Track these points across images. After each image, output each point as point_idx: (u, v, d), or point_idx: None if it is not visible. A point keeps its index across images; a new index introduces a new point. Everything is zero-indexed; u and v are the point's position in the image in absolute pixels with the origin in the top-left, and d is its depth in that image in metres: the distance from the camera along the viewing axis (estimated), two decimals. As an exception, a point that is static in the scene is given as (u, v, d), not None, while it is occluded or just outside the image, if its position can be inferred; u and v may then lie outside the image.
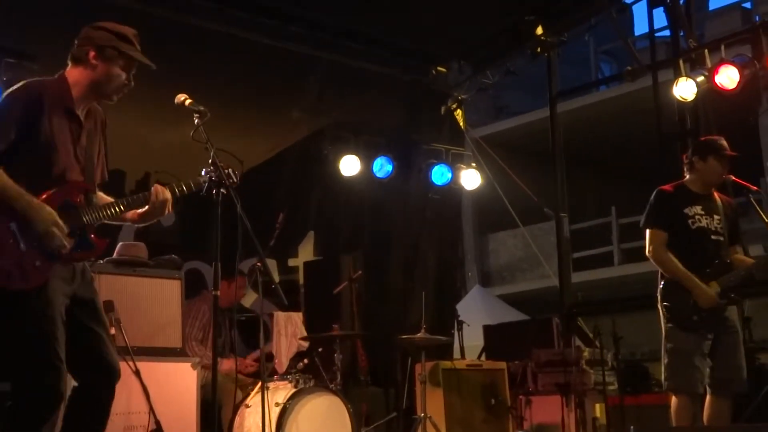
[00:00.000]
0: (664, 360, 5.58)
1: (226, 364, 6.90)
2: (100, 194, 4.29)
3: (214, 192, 4.44)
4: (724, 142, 5.80)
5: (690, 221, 5.64)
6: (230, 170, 4.46)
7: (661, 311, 5.66)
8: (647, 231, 5.75)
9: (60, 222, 3.85)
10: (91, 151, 4.20)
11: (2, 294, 3.74)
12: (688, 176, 5.84)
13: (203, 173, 4.37)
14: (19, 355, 3.80)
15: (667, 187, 5.82)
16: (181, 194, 4.40)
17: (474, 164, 10.21)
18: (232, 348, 7.14)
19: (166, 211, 4.32)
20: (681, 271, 5.56)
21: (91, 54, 4.09)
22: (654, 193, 5.81)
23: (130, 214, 4.31)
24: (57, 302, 3.86)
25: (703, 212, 5.68)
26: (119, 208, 4.19)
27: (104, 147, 4.35)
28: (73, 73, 4.12)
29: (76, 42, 4.15)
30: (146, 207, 4.28)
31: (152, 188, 4.33)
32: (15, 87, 4.00)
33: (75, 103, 4.10)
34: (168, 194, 4.31)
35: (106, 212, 4.12)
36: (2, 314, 3.78)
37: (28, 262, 3.78)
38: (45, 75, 4.20)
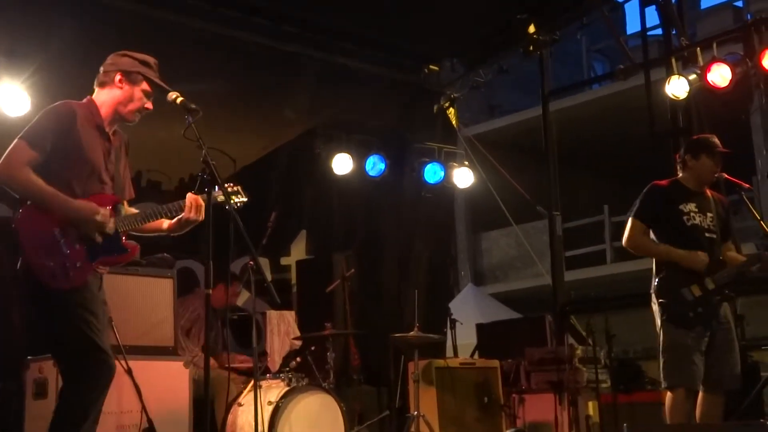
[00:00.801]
0: (661, 357, 5.57)
1: (216, 362, 6.89)
2: (129, 208, 4.59)
3: (206, 191, 4.47)
4: (716, 140, 5.81)
5: (685, 218, 5.65)
6: (239, 188, 4.74)
7: (656, 308, 5.66)
8: (629, 220, 5.77)
9: (101, 209, 4.23)
10: (118, 168, 4.54)
11: (48, 292, 4.10)
12: (681, 174, 5.84)
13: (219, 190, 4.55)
14: (69, 346, 4.14)
15: (661, 182, 5.82)
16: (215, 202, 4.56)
17: (467, 163, 10.21)
18: (224, 346, 7.13)
19: (200, 218, 4.52)
20: (662, 248, 5.61)
21: (118, 78, 4.48)
22: (648, 186, 5.81)
23: (166, 224, 4.60)
24: (98, 298, 4.26)
25: (697, 210, 5.69)
26: (154, 217, 4.52)
27: (129, 167, 4.72)
28: (100, 96, 4.50)
29: (102, 69, 4.55)
30: (181, 215, 4.52)
31: (187, 196, 4.55)
32: (50, 107, 4.38)
33: (104, 122, 4.46)
34: (201, 201, 4.51)
35: (139, 221, 4.47)
36: (49, 310, 4.15)
37: (71, 263, 4.14)
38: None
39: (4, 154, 4.19)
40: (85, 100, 4.49)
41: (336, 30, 9.17)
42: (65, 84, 7.43)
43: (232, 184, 4.73)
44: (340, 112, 9.56)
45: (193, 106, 4.52)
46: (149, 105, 4.54)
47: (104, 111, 4.48)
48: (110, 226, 4.28)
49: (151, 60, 4.60)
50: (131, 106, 4.50)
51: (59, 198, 4.17)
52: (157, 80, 4.53)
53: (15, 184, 4.18)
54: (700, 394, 5.55)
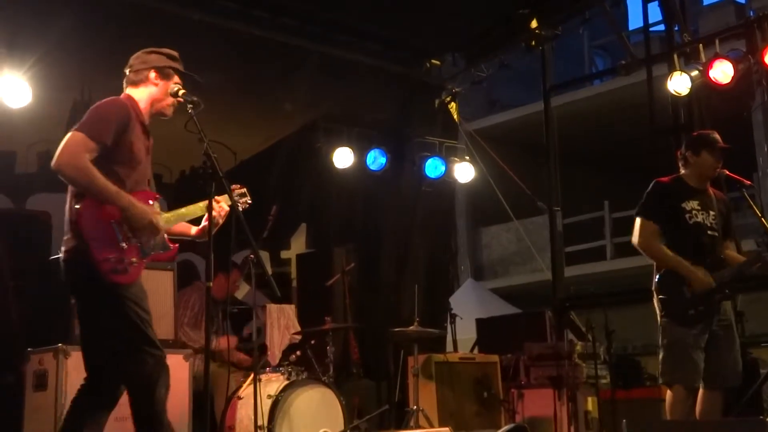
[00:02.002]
0: (661, 354, 5.57)
1: (222, 343, 6.92)
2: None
3: (206, 184, 4.46)
4: (717, 136, 5.79)
5: (687, 216, 5.63)
6: (245, 190, 4.84)
7: (656, 305, 5.65)
8: (637, 220, 5.74)
9: (156, 216, 4.34)
10: (150, 165, 4.63)
11: (105, 285, 4.17)
12: (682, 171, 5.83)
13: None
14: (123, 341, 4.22)
15: (664, 179, 5.80)
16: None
17: (467, 157, 10.20)
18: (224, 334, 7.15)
19: (221, 222, 4.63)
20: (671, 257, 5.56)
21: (153, 75, 4.56)
22: (651, 184, 5.79)
23: (194, 230, 4.74)
24: (146, 295, 4.37)
25: (699, 207, 5.67)
26: (190, 215, 4.65)
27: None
28: (137, 94, 4.56)
29: (131, 68, 4.61)
30: (205, 224, 4.60)
31: (213, 200, 4.59)
32: (105, 100, 4.43)
33: (145, 119, 4.57)
34: (226, 207, 4.63)
35: (178, 220, 4.63)
36: (103, 303, 4.22)
37: (128, 259, 4.24)
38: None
39: (62, 145, 4.21)
40: (125, 97, 4.55)
41: (337, 23, 9.15)
42: (66, 75, 7.46)
43: (238, 186, 4.79)
44: (340, 106, 9.55)
45: (194, 98, 4.54)
46: (180, 98, 4.60)
47: (143, 108, 4.56)
48: (161, 226, 4.39)
49: (176, 54, 4.68)
50: (168, 101, 4.59)
51: (120, 193, 4.23)
52: (187, 72, 4.64)
53: (79, 176, 4.18)
54: (701, 391, 5.55)
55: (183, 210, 4.65)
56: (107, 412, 4.40)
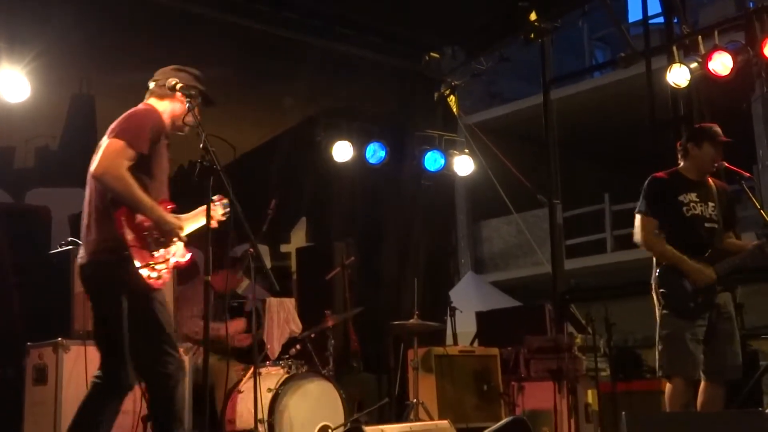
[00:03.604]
0: (659, 346, 5.57)
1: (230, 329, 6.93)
2: None
3: (205, 178, 4.49)
4: (718, 129, 5.79)
5: (684, 209, 5.63)
6: (227, 201, 4.84)
7: (656, 298, 5.65)
8: (637, 217, 5.74)
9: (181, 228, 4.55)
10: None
11: (144, 289, 4.36)
12: (682, 163, 5.82)
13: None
14: (153, 338, 4.41)
15: (661, 174, 5.81)
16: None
17: (467, 150, 10.18)
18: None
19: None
20: (674, 254, 5.56)
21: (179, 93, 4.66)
22: (648, 179, 5.79)
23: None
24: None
25: (697, 199, 5.67)
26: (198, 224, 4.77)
27: None
28: (160, 107, 4.68)
29: (157, 81, 4.73)
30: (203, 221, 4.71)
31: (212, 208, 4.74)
32: (142, 109, 4.60)
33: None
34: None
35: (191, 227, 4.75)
36: (141, 306, 4.38)
37: (159, 265, 4.43)
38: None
39: (103, 152, 4.34)
40: (153, 108, 4.65)
41: (336, 17, 9.14)
42: (65, 70, 7.46)
43: (220, 196, 4.83)
44: (340, 100, 9.54)
45: (193, 92, 4.54)
46: (199, 117, 4.70)
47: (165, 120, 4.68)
48: (184, 238, 4.60)
49: (200, 74, 4.83)
50: (187, 119, 4.71)
51: (155, 206, 4.42)
52: (212, 97, 4.79)
53: (119, 185, 4.31)
54: (702, 384, 5.56)
55: (192, 217, 4.78)
56: (119, 404, 4.54)
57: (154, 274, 4.38)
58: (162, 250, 4.48)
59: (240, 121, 8.68)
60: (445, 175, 10.11)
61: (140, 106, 4.66)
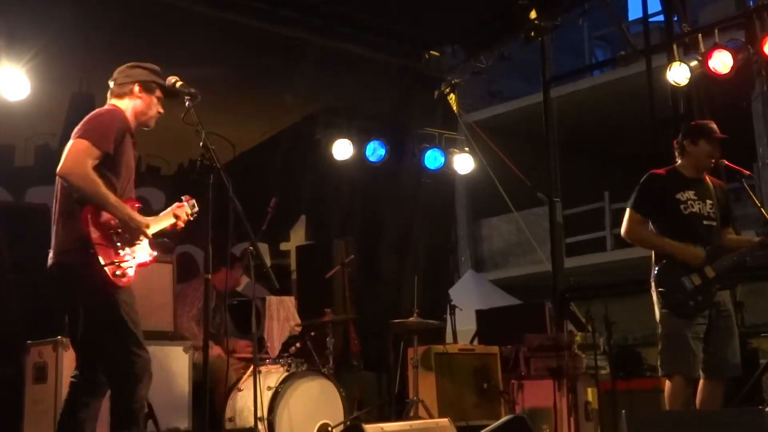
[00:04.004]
0: (660, 345, 5.58)
1: (217, 350, 6.89)
2: None
3: (205, 175, 4.50)
4: (715, 126, 5.79)
5: (682, 206, 5.63)
6: (194, 201, 4.93)
7: (655, 297, 5.65)
8: (627, 211, 5.77)
9: (150, 223, 4.56)
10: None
11: (109, 287, 4.36)
12: (679, 161, 5.82)
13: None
14: (117, 337, 4.41)
15: (659, 171, 5.80)
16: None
17: (467, 149, 10.18)
18: (225, 331, 7.13)
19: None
20: (660, 240, 5.59)
21: (137, 88, 4.69)
22: (645, 176, 5.79)
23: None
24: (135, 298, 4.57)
25: (695, 197, 5.66)
26: (165, 224, 4.80)
27: None
28: (120, 106, 4.69)
29: (115, 81, 4.74)
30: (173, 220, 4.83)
31: (176, 205, 4.86)
32: (106, 109, 4.63)
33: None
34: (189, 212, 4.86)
35: (158, 227, 4.74)
36: (106, 304, 4.40)
37: (126, 263, 4.44)
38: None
39: (68, 152, 4.38)
40: (115, 107, 4.68)
41: (336, 15, 9.13)
42: (65, 68, 7.45)
43: (188, 197, 4.91)
44: (340, 98, 9.54)
45: (192, 90, 4.55)
46: (162, 110, 4.80)
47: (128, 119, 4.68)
48: (150, 236, 4.60)
49: (158, 69, 4.83)
50: (150, 113, 4.74)
51: (122, 205, 4.42)
52: (171, 88, 4.77)
53: (84, 184, 4.33)
54: (701, 382, 5.56)
55: (160, 217, 4.79)
56: (100, 401, 4.58)
57: (119, 273, 4.38)
58: (128, 249, 4.48)
59: (240, 119, 8.68)
60: (445, 173, 10.12)
61: (105, 106, 4.69)
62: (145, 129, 4.80)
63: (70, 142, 4.42)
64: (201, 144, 4.53)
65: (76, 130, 4.48)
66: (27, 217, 7.12)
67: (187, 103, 4.60)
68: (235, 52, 8.53)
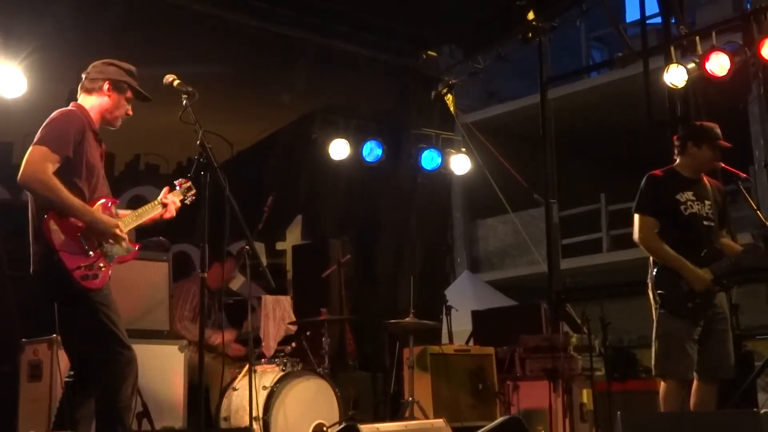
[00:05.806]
0: (655, 346, 5.57)
1: (216, 338, 6.91)
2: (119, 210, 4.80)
3: (201, 174, 4.50)
4: (719, 131, 5.74)
5: (682, 207, 5.62)
6: (190, 184, 4.91)
7: (653, 298, 5.64)
8: (636, 216, 5.73)
9: (120, 224, 4.52)
10: (104, 171, 4.75)
11: (78, 292, 4.35)
12: (678, 160, 5.80)
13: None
14: (96, 343, 4.41)
15: (657, 172, 5.79)
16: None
17: (464, 149, 10.17)
18: (219, 328, 7.14)
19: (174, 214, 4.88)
20: (673, 256, 5.55)
21: (106, 86, 4.67)
22: (645, 178, 5.78)
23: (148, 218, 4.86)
24: (112, 296, 4.55)
25: (694, 198, 5.66)
26: (147, 215, 4.78)
27: None
28: (87, 102, 4.68)
29: (87, 75, 4.72)
30: (161, 210, 4.81)
31: (168, 197, 4.84)
32: (61, 112, 4.55)
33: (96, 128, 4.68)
34: (178, 203, 4.85)
35: (136, 222, 4.73)
36: (77, 309, 4.41)
37: (96, 265, 4.41)
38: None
39: (26, 159, 4.35)
40: (76, 107, 4.65)
41: (334, 14, 9.12)
42: (62, 65, 7.43)
43: (184, 180, 4.90)
44: (337, 97, 9.53)
45: (190, 88, 4.55)
46: (131, 111, 4.76)
47: (93, 116, 4.66)
48: (124, 234, 4.54)
49: (134, 69, 4.80)
50: (117, 113, 4.71)
51: (85, 208, 4.40)
52: (142, 91, 4.76)
53: (44, 190, 4.31)
54: (695, 383, 5.56)
55: (140, 211, 4.76)
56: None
57: (90, 275, 4.36)
58: (98, 250, 4.44)
59: (237, 118, 8.68)
60: (442, 173, 10.11)
61: (63, 108, 4.65)
62: (111, 129, 4.77)
63: (29, 149, 4.39)
64: (198, 142, 4.53)
65: (35, 137, 4.45)
66: (24, 215, 7.11)
67: (184, 101, 4.58)
68: (233, 50, 8.52)
